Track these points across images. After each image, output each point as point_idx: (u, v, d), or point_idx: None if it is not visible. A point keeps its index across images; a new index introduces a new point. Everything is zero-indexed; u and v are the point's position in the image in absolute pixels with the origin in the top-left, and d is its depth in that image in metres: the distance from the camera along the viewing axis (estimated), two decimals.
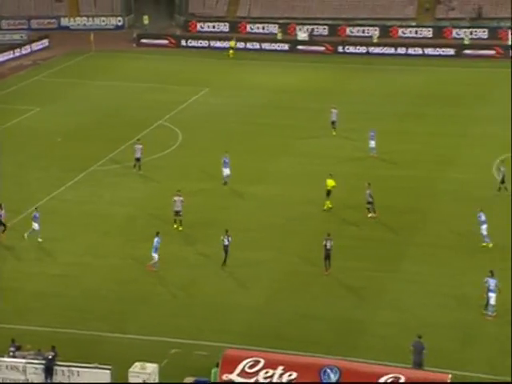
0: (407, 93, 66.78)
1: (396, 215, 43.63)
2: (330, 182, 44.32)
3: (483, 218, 39.56)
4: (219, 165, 48.67)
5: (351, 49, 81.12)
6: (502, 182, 45.57)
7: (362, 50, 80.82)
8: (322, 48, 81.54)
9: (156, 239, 37.86)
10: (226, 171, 47.55)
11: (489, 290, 33.69)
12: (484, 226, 39.51)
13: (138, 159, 49.40)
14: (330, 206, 44.12)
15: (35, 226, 40.84)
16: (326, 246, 37.30)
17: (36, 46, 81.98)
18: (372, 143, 51.83)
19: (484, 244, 39.84)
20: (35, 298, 36.16)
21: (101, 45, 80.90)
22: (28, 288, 36.98)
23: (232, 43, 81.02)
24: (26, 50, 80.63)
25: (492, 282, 33.67)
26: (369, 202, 43.05)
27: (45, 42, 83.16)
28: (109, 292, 36.70)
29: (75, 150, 53.68)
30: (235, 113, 62.27)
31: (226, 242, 38.39)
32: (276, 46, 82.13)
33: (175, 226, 42.29)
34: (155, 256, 37.85)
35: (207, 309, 35.20)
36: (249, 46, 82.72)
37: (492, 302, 33.67)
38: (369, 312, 34.70)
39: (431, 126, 58.51)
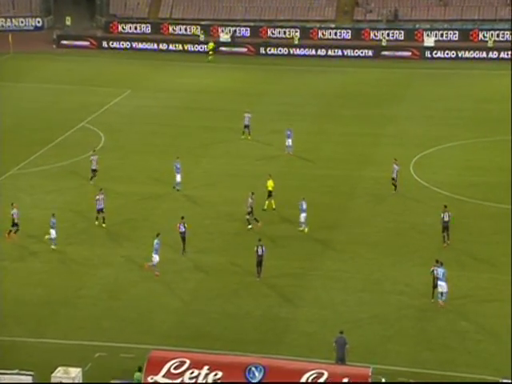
0: (327, 93, 67.50)
1: (317, 213, 43.76)
2: (270, 183, 44.21)
3: (304, 206, 41.42)
4: (142, 166, 48.27)
5: (273, 50, 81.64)
6: (394, 178, 46.41)
7: (284, 51, 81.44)
8: (245, 49, 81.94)
9: (156, 241, 37.26)
10: (178, 177, 46.82)
11: (438, 279, 34.38)
12: (303, 214, 41.37)
13: (94, 170, 47.80)
14: (273, 206, 43.84)
15: (52, 232, 39.86)
16: (257, 252, 37.03)
17: None
18: (289, 141, 52.23)
19: (300, 229, 41.57)
20: None
21: (19, 46, 79.58)
22: None
23: (210, 46, 79.47)
24: None
25: (440, 272, 34.38)
26: (249, 213, 42.07)
27: None
28: (29, 296, 36.10)
29: None
30: (157, 115, 62.06)
31: (183, 229, 38.87)
32: (199, 48, 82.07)
33: (97, 222, 42.06)
34: (156, 257, 37.18)
35: (132, 311, 34.97)
36: (171, 47, 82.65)
37: (444, 289, 34.39)
38: (293, 310, 35.01)
39: (349, 125, 59.31)
